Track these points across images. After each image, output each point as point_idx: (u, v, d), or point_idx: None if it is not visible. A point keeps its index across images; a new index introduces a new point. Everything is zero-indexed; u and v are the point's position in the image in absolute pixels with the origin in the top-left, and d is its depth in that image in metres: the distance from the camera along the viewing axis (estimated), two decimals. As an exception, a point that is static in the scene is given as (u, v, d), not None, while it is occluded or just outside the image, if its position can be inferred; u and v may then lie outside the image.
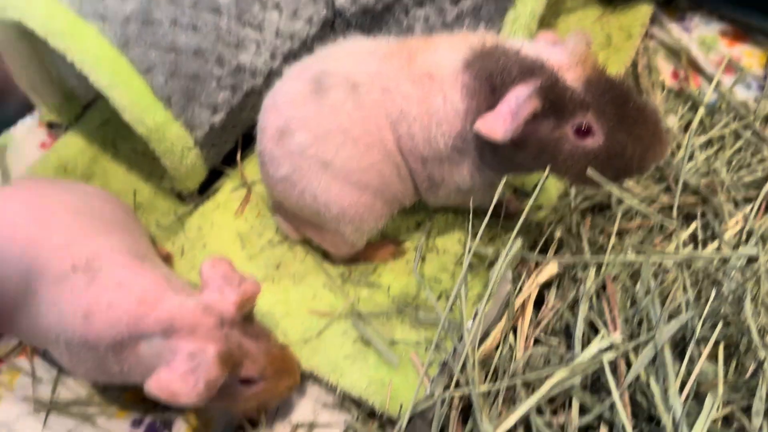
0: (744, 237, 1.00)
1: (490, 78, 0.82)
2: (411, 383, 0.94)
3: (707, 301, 0.79)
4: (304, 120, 0.92)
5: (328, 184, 0.93)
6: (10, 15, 0.96)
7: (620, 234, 1.06)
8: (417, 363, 0.95)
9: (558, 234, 1.00)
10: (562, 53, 0.81)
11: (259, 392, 0.86)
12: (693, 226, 1.00)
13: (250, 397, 0.87)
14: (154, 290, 0.83)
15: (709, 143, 1.17)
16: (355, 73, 0.91)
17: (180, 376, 0.76)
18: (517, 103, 0.78)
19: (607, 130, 0.80)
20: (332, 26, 1.20)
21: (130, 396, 1.07)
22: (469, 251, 0.81)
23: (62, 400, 1.08)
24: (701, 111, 1.21)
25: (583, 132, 0.81)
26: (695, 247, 1.02)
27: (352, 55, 0.96)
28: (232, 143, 1.21)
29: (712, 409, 0.65)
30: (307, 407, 1.02)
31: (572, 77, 0.80)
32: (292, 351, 0.93)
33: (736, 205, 1.09)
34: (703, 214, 1.06)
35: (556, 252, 1.00)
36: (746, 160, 1.14)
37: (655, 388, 0.69)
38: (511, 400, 0.80)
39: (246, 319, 0.85)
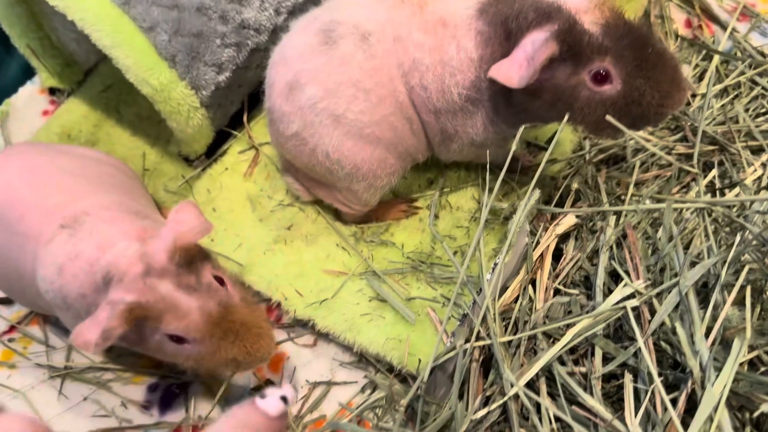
0: (763, 184, 0.98)
1: (505, 23, 0.80)
2: (428, 339, 0.93)
3: (729, 247, 0.78)
4: (314, 73, 0.89)
5: (340, 140, 0.90)
6: (7, -25, 0.94)
7: (637, 185, 1.04)
8: (435, 318, 0.95)
9: (574, 186, 0.98)
10: None
11: (196, 354, 0.77)
12: (712, 173, 0.99)
13: (188, 358, 0.78)
14: (115, 237, 0.76)
15: (724, 92, 1.15)
16: (365, 22, 0.89)
17: (88, 325, 0.70)
18: (534, 48, 0.76)
19: (625, 76, 0.78)
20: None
21: (145, 362, 1.07)
22: (486, 205, 0.80)
23: (77, 366, 1.08)
24: (716, 59, 1.18)
25: (601, 78, 0.79)
26: (714, 195, 1.00)
27: (360, 4, 0.92)
28: (238, 104, 1.19)
29: (739, 353, 0.64)
30: (324, 366, 1.01)
31: (590, 21, 0.77)
32: (264, 318, 0.81)
33: (754, 153, 1.07)
34: (721, 163, 1.04)
35: (573, 204, 0.98)
36: (763, 107, 1.12)
37: (682, 333, 0.68)
38: (532, 351, 0.79)
39: (190, 267, 0.75)
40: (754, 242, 0.78)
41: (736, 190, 0.92)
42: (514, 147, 0.81)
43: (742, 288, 0.77)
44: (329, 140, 0.91)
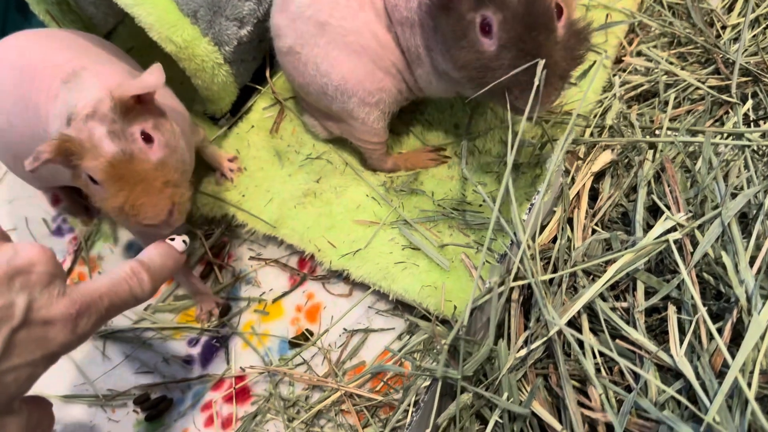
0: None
1: None
2: (463, 285, 0.94)
3: (770, 176, 0.77)
4: None
5: (326, 49, 0.92)
6: (24, -65, 0.93)
7: (670, 120, 1.03)
8: (469, 264, 0.95)
9: (608, 123, 0.97)
10: None
11: (101, 196, 0.79)
12: (747, 105, 0.97)
13: (99, 200, 0.80)
14: (95, 87, 0.81)
15: (756, 22, 1.12)
16: None
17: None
18: None
19: (501, 41, 0.76)
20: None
21: (182, 318, 1.09)
22: (510, 160, 0.78)
23: (116, 326, 1.10)
24: (747, -12, 1.15)
25: (485, 29, 0.77)
26: (749, 126, 0.98)
27: None
28: (260, 59, 1.18)
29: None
30: (360, 314, 1.03)
31: None
32: (165, 180, 0.79)
33: (789, 83, 1.05)
34: (755, 95, 1.02)
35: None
36: (797, 35, 1.09)
37: (728, 261, 0.68)
38: (572, 289, 0.79)
39: (126, 118, 0.78)
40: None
41: (773, 120, 0.91)
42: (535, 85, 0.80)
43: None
44: (317, 50, 0.93)
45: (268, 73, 1.20)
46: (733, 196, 0.78)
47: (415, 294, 0.94)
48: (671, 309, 0.72)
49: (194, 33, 0.99)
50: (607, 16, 1.13)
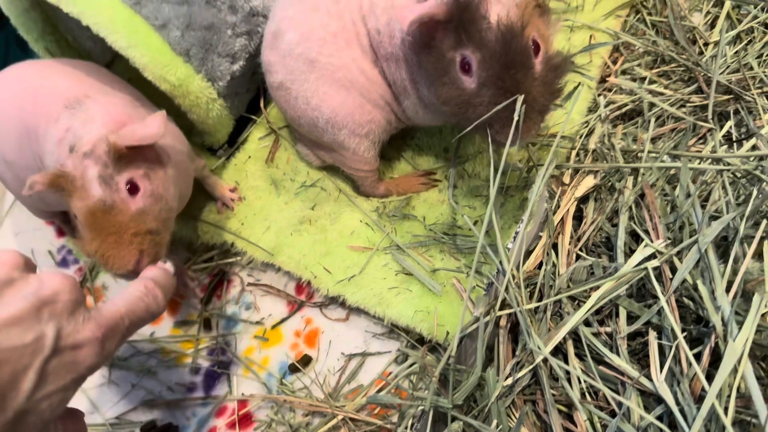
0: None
1: None
2: (455, 309, 0.96)
3: (747, 200, 0.79)
4: (292, 19, 0.95)
5: (316, 84, 0.95)
6: (20, -15, 0.96)
7: (654, 140, 1.05)
8: (459, 288, 0.97)
9: (591, 146, 0.99)
10: None
11: (79, 232, 0.83)
12: (728, 125, 0.99)
13: (79, 237, 0.84)
14: (99, 117, 0.85)
15: (737, 38, 1.14)
16: None
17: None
18: (434, 2, 0.77)
19: (481, 79, 0.78)
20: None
21: (185, 345, 1.12)
22: (493, 185, 0.81)
23: (121, 355, 1.13)
24: (727, 5, 1.17)
25: (465, 67, 0.79)
26: (731, 146, 1.00)
27: None
28: (254, 91, 1.21)
29: (760, 305, 0.66)
30: (358, 338, 1.05)
31: (496, 14, 0.76)
32: (139, 231, 0.82)
33: (771, 98, 1.07)
34: (737, 112, 1.04)
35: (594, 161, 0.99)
36: (779, 51, 1.11)
37: (703, 289, 0.70)
38: (558, 316, 0.82)
39: (117, 165, 0.81)
40: (772, 194, 0.79)
41: (753, 140, 0.93)
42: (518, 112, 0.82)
43: (763, 239, 0.79)
44: (307, 86, 0.96)
45: (262, 104, 1.23)
46: (715, 218, 0.80)
47: (408, 319, 0.97)
48: (652, 335, 0.74)
49: (187, 71, 1.02)
50: (590, 37, 1.16)
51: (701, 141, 1.04)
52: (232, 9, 1.05)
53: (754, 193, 0.75)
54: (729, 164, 0.85)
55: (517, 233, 0.83)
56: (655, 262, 0.75)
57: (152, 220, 0.83)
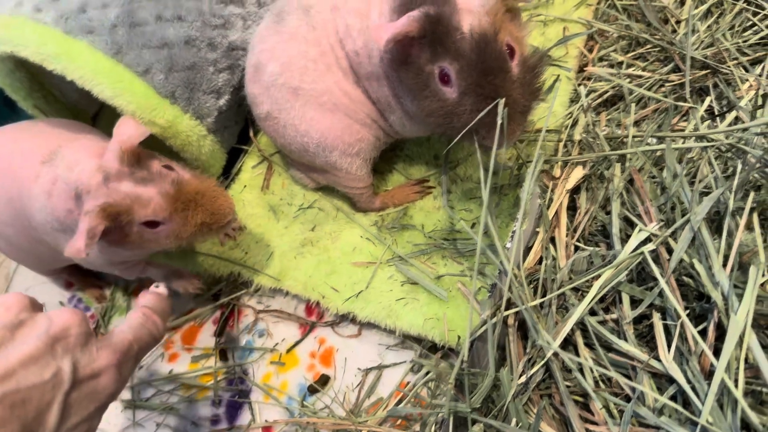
0: (760, 100, 1.00)
1: None
2: (463, 313, 0.98)
3: (734, 173, 0.80)
4: (271, 51, 0.97)
5: (302, 111, 0.97)
6: (2, 49, 0.98)
7: (638, 123, 1.07)
8: (465, 291, 0.99)
9: (577, 137, 1.01)
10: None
11: (170, 231, 0.89)
12: (707, 101, 1.00)
13: (167, 237, 0.90)
14: (80, 157, 0.88)
15: (708, 13, 1.16)
16: None
17: (76, 236, 0.82)
18: (403, 21, 0.78)
19: (461, 89, 0.80)
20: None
21: (203, 379, 1.13)
22: (486, 187, 0.83)
23: (143, 396, 1.15)
24: (695, -20, 1.18)
25: (444, 78, 0.81)
26: (714, 119, 1.02)
27: None
28: (242, 122, 1.23)
29: (757, 277, 0.68)
30: (372, 352, 1.07)
31: (468, 24, 0.78)
32: (214, 184, 0.93)
33: (746, 69, 1.08)
34: (716, 85, 1.06)
35: (581, 152, 1.01)
36: (748, 20, 1.12)
37: (700, 267, 0.72)
38: (563, 309, 0.83)
39: (140, 165, 0.87)
40: (757, 165, 0.80)
41: (734, 112, 0.94)
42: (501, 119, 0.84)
43: (753, 210, 0.80)
44: (294, 113, 0.98)
45: (251, 133, 1.25)
46: (705, 194, 0.82)
47: (419, 328, 0.99)
48: (656, 316, 0.76)
49: (175, 112, 1.04)
50: (564, 29, 1.17)
51: (684, 118, 1.06)
52: (211, 46, 1.07)
53: (739, 166, 0.77)
54: (712, 140, 0.87)
55: (513, 232, 0.85)
56: (650, 246, 0.76)
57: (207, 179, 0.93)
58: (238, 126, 1.22)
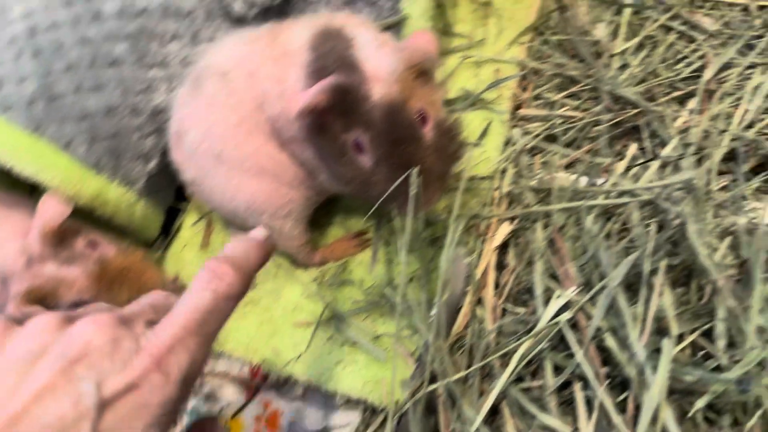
0: (690, 137, 0.98)
1: (322, 60, 0.81)
2: (403, 373, 0.96)
3: (663, 223, 0.79)
4: (191, 118, 0.95)
5: (227, 177, 0.95)
6: None
7: (572, 164, 1.05)
8: (404, 352, 0.97)
9: (504, 188, 0.99)
10: (391, 61, 0.78)
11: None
12: (631, 150, 0.99)
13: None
14: (7, 238, 0.87)
15: (640, 46, 1.14)
16: (225, 61, 0.93)
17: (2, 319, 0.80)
18: (314, 91, 0.77)
19: (375, 158, 0.79)
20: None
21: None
22: (405, 262, 0.81)
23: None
24: (627, 12, 1.17)
25: (358, 147, 0.80)
26: (646, 160, 1.00)
27: (226, 45, 0.97)
28: (178, 180, 1.21)
29: (670, 351, 0.66)
30: (318, 414, 1.05)
31: (378, 91, 0.77)
32: (141, 257, 0.93)
33: (681, 102, 1.07)
34: (648, 124, 1.04)
35: (509, 206, 0.99)
36: (681, 52, 1.11)
37: (612, 342, 0.70)
38: (489, 376, 0.82)
39: (64, 244, 0.86)
40: (677, 221, 0.79)
41: (658, 162, 0.93)
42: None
43: (675, 268, 0.79)
44: (219, 179, 0.96)
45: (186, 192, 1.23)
46: (634, 246, 0.81)
47: (358, 391, 0.97)
48: (577, 386, 0.74)
49: (101, 182, 1.03)
50: (496, 71, 1.16)
51: (619, 157, 1.04)
52: (134, 112, 1.05)
53: (652, 230, 0.76)
54: (636, 194, 0.85)
55: (436, 303, 0.84)
56: (567, 314, 0.75)
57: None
58: (174, 185, 1.20)
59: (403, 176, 0.78)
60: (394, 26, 1.08)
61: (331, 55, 0.81)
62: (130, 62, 1.05)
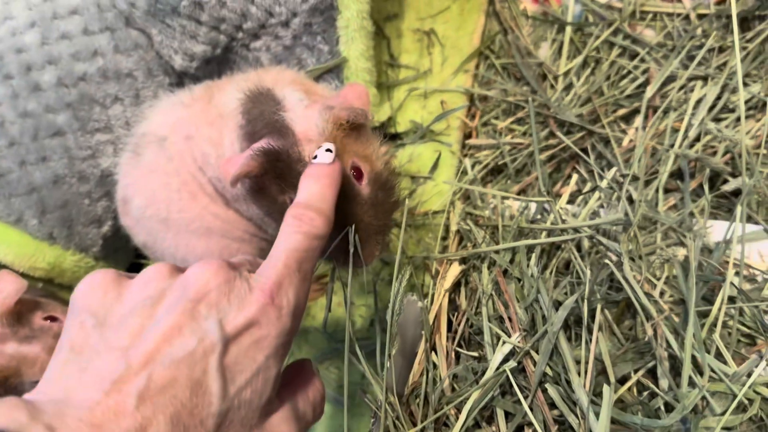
0: (637, 158, 0.98)
1: (253, 124, 0.82)
2: (368, 422, 0.97)
3: (601, 265, 0.79)
4: (134, 185, 0.96)
5: (175, 240, 0.96)
6: None
7: (524, 191, 1.05)
8: (368, 401, 0.97)
9: (453, 227, 0.99)
10: (319, 121, 0.78)
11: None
12: (573, 180, 0.98)
13: None
14: None
15: (584, 64, 1.14)
16: (161, 127, 0.93)
17: None
18: (245, 159, 0.76)
19: None
20: (182, 85, 1.18)
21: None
22: (376, 301, 0.81)
23: None
24: (568, 30, 1.16)
25: None
26: (594, 182, 1.00)
27: (163, 110, 0.97)
28: (137, 237, 1.22)
29: (610, 399, 0.66)
30: (292, 463, 1.06)
31: (310, 152, 0.76)
32: None
33: (627, 120, 1.07)
34: (594, 147, 1.04)
35: (460, 243, 0.99)
36: (625, 68, 1.10)
37: (553, 392, 0.70)
38: (446, 425, 0.82)
39: (22, 321, 0.86)
40: (614, 258, 0.79)
41: (597, 194, 0.92)
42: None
43: (617, 303, 0.79)
44: (168, 242, 0.97)
45: (149, 246, 1.23)
46: (579, 283, 0.81)
47: (326, 441, 0.98)
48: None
49: (56, 252, 1.03)
50: (442, 103, 1.16)
51: (568, 179, 1.04)
52: (82, 179, 1.05)
53: (587, 274, 0.75)
54: (578, 230, 0.85)
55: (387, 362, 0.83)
56: (512, 363, 0.75)
57: None
58: (132, 241, 1.20)
59: (338, 239, 0.78)
60: (335, 69, 1.08)
61: (261, 120, 0.82)
62: (73, 130, 1.05)
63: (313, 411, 0.61)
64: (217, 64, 1.16)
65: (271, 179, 0.81)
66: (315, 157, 0.69)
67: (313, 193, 0.64)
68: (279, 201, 0.82)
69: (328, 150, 0.69)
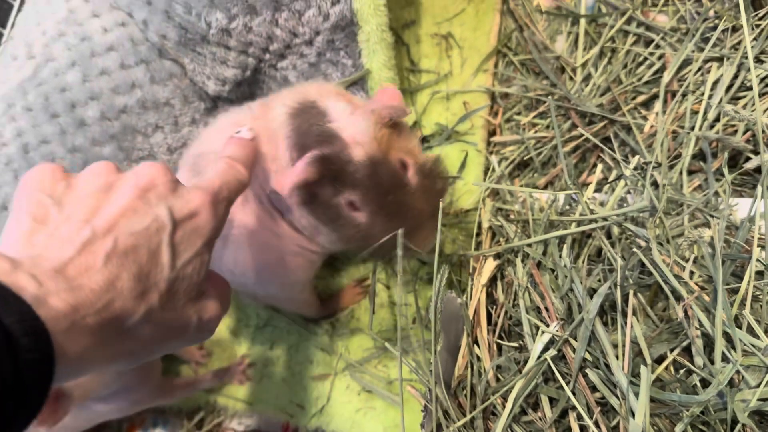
0: (659, 143, 1.01)
1: (301, 135, 0.87)
2: (418, 416, 1.01)
3: (628, 254, 0.82)
4: None
5: (233, 256, 0.99)
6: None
7: (552, 183, 1.09)
8: (416, 395, 1.02)
9: (485, 224, 1.03)
10: (364, 124, 0.84)
11: None
12: (598, 169, 1.02)
13: None
14: None
15: (601, 54, 1.16)
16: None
17: None
18: (301, 167, 0.82)
19: (369, 212, 0.85)
20: (216, 108, 1.24)
21: None
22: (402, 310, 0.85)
23: None
24: (583, 23, 1.19)
25: (352, 206, 0.85)
26: (620, 169, 1.03)
27: (221, 129, 1.00)
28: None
29: (648, 379, 0.70)
30: (349, 459, 1.11)
31: (358, 153, 0.82)
32: None
33: (647, 106, 1.09)
34: (616, 135, 1.07)
35: (493, 239, 1.03)
36: (641, 55, 1.13)
37: (593, 375, 0.74)
38: (494, 414, 0.86)
39: None
40: (643, 245, 0.82)
41: (622, 183, 0.95)
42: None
43: (653, 288, 0.83)
44: (225, 260, 1.00)
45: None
46: (610, 271, 0.84)
47: (380, 436, 1.03)
48: (572, 416, 0.78)
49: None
50: (464, 104, 1.19)
51: (594, 168, 1.07)
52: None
53: (619, 260, 0.79)
54: (605, 219, 0.89)
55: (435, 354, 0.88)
56: (552, 352, 0.79)
57: None
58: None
59: (390, 235, 0.83)
60: (359, 81, 1.12)
61: (311, 133, 0.87)
62: (119, 160, 1.11)
63: (227, 299, 0.69)
64: (248, 86, 1.21)
65: (326, 183, 0.86)
66: (238, 132, 0.79)
67: (240, 154, 0.75)
68: (333, 204, 0.87)
69: (250, 129, 0.80)
